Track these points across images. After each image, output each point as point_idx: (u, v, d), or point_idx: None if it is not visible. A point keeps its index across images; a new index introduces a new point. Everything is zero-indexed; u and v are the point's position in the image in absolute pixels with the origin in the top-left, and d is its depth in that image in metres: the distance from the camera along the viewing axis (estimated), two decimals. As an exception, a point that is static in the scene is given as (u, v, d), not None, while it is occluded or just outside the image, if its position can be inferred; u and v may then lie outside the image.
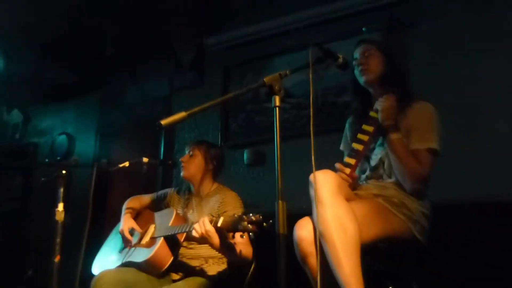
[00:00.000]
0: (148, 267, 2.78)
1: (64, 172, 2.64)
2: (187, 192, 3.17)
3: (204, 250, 2.84)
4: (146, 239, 2.93)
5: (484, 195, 3.05)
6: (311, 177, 2.08)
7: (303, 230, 2.14)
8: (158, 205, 3.23)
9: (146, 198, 3.29)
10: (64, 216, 2.59)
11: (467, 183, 3.16)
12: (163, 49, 4.99)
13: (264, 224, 2.26)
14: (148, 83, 5.16)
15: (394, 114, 2.34)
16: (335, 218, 1.98)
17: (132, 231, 3.00)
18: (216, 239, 2.47)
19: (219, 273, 2.85)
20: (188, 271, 2.85)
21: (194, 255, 2.89)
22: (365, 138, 2.40)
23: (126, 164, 3.16)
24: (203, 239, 2.49)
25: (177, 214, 2.95)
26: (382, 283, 2.24)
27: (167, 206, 3.17)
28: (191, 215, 3.01)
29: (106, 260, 3.10)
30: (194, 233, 2.50)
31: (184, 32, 4.88)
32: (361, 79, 2.52)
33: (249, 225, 2.27)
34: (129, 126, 5.29)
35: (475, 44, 3.34)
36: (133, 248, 2.94)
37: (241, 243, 2.61)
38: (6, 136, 6.21)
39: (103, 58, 5.22)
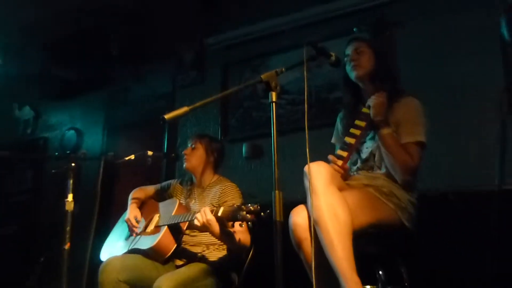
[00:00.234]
0: (153, 254, 2.78)
1: (73, 164, 2.63)
2: (190, 183, 3.17)
3: (206, 237, 2.84)
4: (151, 227, 2.93)
5: (467, 184, 3.06)
6: (306, 168, 2.08)
7: (298, 217, 2.15)
8: (162, 195, 3.23)
9: (150, 189, 3.29)
10: (73, 206, 2.59)
11: (452, 173, 3.17)
12: (166, 49, 4.99)
13: (262, 213, 2.27)
14: (152, 80, 5.15)
15: (385, 111, 2.34)
16: (329, 206, 1.99)
17: (137, 220, 3.00)
18: (216, 228, 2.48)
19: (220, 259, 2.85)
20: (191, 257, 2.86)
21: (196, 242, 2.90)
22: (357, 132, 2.41)
23: (132, 157, 3.16)
24: (205, 228, 2.50)
25: (180, 203, 2.95)
26: (373, 266, 2.24)
27: (170, 196, 3.17)
28: (193, 205, 3.02)
29: (113, 247, 3.10)
30: (196, 222, 2.50)
31: (186, 33, 4.87)
32: (352, 75, 2.52)
33: (248, 215, 2.28)
34: (134, 121, 5.28)
35: (459, 42, 3.33)
36: (138, 236, 2.95)
37: (240, 231, 2.62)
38: (18, 131, 6.20)
39: (109, 57, 5.19)
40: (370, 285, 2.14)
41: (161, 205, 3.09)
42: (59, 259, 2.53)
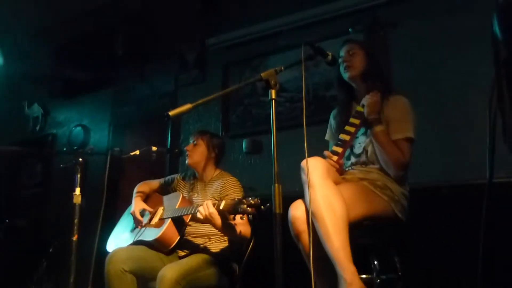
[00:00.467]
0: (157, 245, 2.78)
1: (80, 159, 2.63)
2: (192, 177, 3.16)
3: (208, 228, 2.84)
4: (155, 220, 2.93)
5: (459, 178, 3.08)
6: (303, 163, 2.10)
7: (297, 210, 2.15)
8: (166, 189, 3.22)
9: (155, 183, 3.28)
10: (81, 199, 2.59)
11: (444, 167, 3.17)
12: (168, 49, 4.98)
13: (262, 207, 2.27)
14: (155, 80, 5.14)
15: (378, 109, 2.37)
16: (325, 199, 1.99)
17: (142, 213, 2.99)
18: (218, 221, 2.47)
19: (221, 250, 2.86)
20: (193, 248, 2.86)
21: (199, 234, 2.89)
22: (351, 129, 2.43)
23: (137, 152, 3.14)
24: (207, 220, 2.50)
25: (183, 197, 2.95)
26: (368, 256, 2.25)
27: (174, 190, 3.17)
28: (196, 198, 3.01)
29: (119, 238, 3.10)
30: (198, 215, 2.50)
31: (187, 34, 4.87)
32: (346, 75, 2.54)
33: (248, 208, 2.28)
34: (139, 119, 5.27)
35: (452, 41, 3.33)
36: (143, 228, 2.94)
37: (241, 223, 2.62)
38: (27, 128, 6.19)
39: (114, 57, 5.20)
40: (365, 274, 2.14)
41: (165, 198, 3.09)
42: (67, 250, 2.53)
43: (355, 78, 2.53)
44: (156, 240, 2.74)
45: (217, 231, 2.74)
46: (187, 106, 1.82)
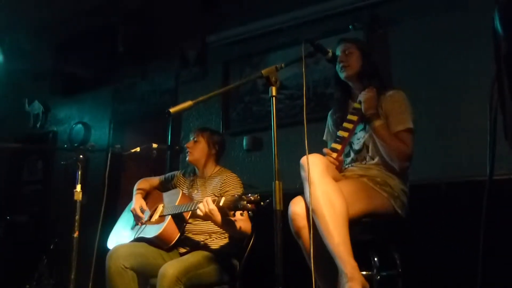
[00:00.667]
0: (158, 242, 2.78)
1: (81, 156, 2.63)
2: (192, 174, 3.16)
3: (208, 226, 2.84)
4: (156, 217, 2.93)
5: (459, 175, 3.07)
6: (302, 160, 2.11)
7: (297, 206, 2.16)
8: (166, 186, 3.22)
9: (155, 180, 3.28)
10: (81, 196, 2.58)
11: (444, 164, 3.17)
12: (169, 47, 4.98)
13: (262, 203, 2.27)
14: (156, 77, 5.13)
15: (375, 104, 2.38)
16: (325, 195, 1.99)
17: (142, 210, 2.99)
18: (218, 217, 2.48)
19: (221, 246, 2.86)
20: (194, 245, 2.86)
21: (199, 230, 2.89)
22: (349, 126, 2.44)
23: (137, 149, 3.15)
24: (207, 217, 2.50)
25: (183, 194, 2.95)
26: (368, 253, 2.25)
27: (174, 187, 3.16)
28: (196, 195, 3.01)
29: (119, 235, 3.10)
30: (198, 212, 2.50)
31: (188, 31, 4.87)
32: (342, 75, 2.55)
33: (248, 204, 2.28)
34: (140, 116, 5.27)
35: (452, 38, 3.33)
36: (144, 225, 2.94)
37: (241, 219, 2.62)
38: (28, 125, 6.18)
39: (115, 54, 5.20)
40: (365, 270, 2.13)
41: (165, 195, 3.09)
42: (68, 247, 2.54)
43: (351, 78, 2.54)
44: (156, 237, 2.74)
45: (217, 228, 2.75)
46: (188, 103, 1.83)
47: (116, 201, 4.86)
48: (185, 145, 3.11)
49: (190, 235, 2.90)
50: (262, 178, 3.80)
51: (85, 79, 5.51)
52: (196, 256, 2.68)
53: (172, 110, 1.80)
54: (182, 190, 3.03)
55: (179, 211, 2.75)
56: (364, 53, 2.55)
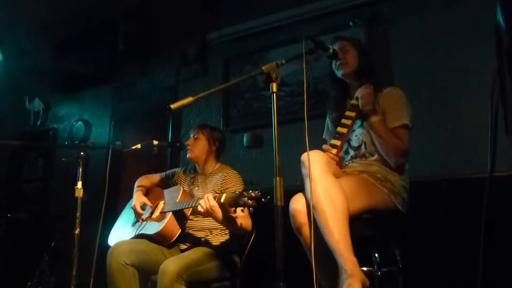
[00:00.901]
0: (158, 239, 2.78)
1: (82, 153, 2.63)
2: (193, 171, 3.16)
3: (209, 222, 2.84)
4: (157, 213, 2.93)
5: (460, 172, 3.07)
6: (302, 157, 2.11)
7: (297, 203, 2.16)
8: (167, 183, 3.22)
9: (155, 177, 3.28)
10: (82, 193, 2.58)
11: (444, 160, 3.18)
12: (170, 44, 4.99)
13: (263, 199, 2.27)
14: (156, 74, 5.13)
15: (372, 100, 2.38)
16: (325, 192, 2.00)
17: (143, 207, 3.00)
18: (219, 213, 2.48)
19: (222, 243, 2.86)
20: (195, 241, 2.86)
21: (200, 227, 2.89)
22: (348, 122, 2.44)
23: (138, 146, 3.14)
24: (208, 213, 2.50)
25: (184, 190, 2.95)
26: (368, 249, 2.25)
27: (175, 184, 3.16)
28: (196, 192, 3.01)
29: (120, 232, 3.10)
30: (199, 208, 2.50)
31: (188, 29, 4.87)
32: (339, 73, 2.55)
33: (249, 201, 2.28)
34: (140, 113, 5.27)
35: (453, 35, 3.33)
36: (145, 222, 2.95)
37: (242, 216, 2.62)
38: (28, 123, 6.18)
39: (116, 52, 5.20)
40: (366, 266, 2.14)
41: (166, 192, 3.09)
42: (69, 244, 2.54)
43: (349, 75, 2.54)
44: (157, 233, 2.74)
45: (218, 224, 2.74)
46: (189, 99, 1.84)
47: (117, 198, 4.87)
48: (185, 143, 3.11)
49: (191, 231, 2.90)
50: (263, 175, 3.80)
51: (86, 77, 5.51)
52: (197, 253, 2.68)
53: (173, 106, 1.81)
54: (183, 187, 3.03)
55: (180, 208, 2.75)
56: (360, 50, 2.56)
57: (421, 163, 2.92)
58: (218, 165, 3.09)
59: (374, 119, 2.32)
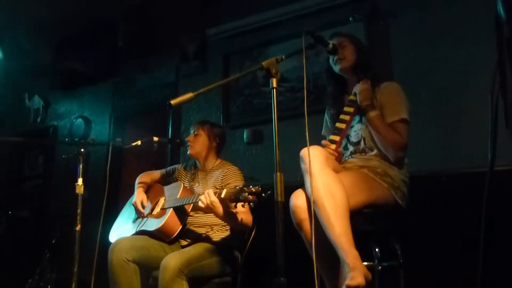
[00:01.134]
0: (159, 235, 2.79)
1: (82, 150, 2.63)
2: (193, 167, 3.16)
3: (210, 218, 2.85)
4: (157, 210, 2.93)
5: (459, 166, 3.08)
6: (302, 152, 2.11)
7: (298, 199, 2.16)
8: (167, 179, 3.22)
9: (156, 173, 3.28)
10: (83, 189, 2.59)
11: (444, 155, 3.18)
12: (169, 41, 4.98)
13: (263, 194, 2.28)
14: (156, 71, 5.13)
15: (370, 96, 2.39)
16: (325, 187, 2.00)
17: (143, 204, 3.00)
18: (220, 209, 2.48)
19: (223, 239, 2.86)
20: (195, 237, 2.86)
21: (201, 223, 2.90)
22: (346, 117, 2.45)
23: (138, 142, 3.15)
24: (209, 209, 2.51)
25: (184, 187, 2.95)
26: (369, 244, 2.25)
27: (175, 180, 3.17)
28: (197, 188, 3.01)
29: (121, 229, 3.10)
30: (200, 204, 2.50)
31: (188, 25, 4.86)
32: (337, 68, 2.55)
33: (250, 196, 2.29)
34: (140, 110, 5.26)
35: (452, 29, 3.33)
36: (145, 218, 2.95)
37: (243, 212, 2.62)
38: (28, 120, 6.18)
39: (115, 49, 5.20)
40: (366, 261, 2.14)
41: (166, 188, 3.09)
42: (70, 241, 2.54)
43: (346, 71, 2.54)
44: (158, 230, 2.75)
45: (219, 220, 2.75)
46: (189, 95, 1.84)
47: (117, 195, 4.87)
48: (185, 139, 3.11)
49: (191, 227, 2.90)
50: (263, 171, 3.79)
51: (85, 74, 5.51)
52: (198, 248, 2.68)
53: (173, 102, 1.81)
54: (184, 183, 3.03)
55: (181, 204, 2.76)
56: (357, 46, 2.56)
57: (421, 157, 2.93)
58: (219, 161, 3.09)
59: (372, 114, 2.32)
